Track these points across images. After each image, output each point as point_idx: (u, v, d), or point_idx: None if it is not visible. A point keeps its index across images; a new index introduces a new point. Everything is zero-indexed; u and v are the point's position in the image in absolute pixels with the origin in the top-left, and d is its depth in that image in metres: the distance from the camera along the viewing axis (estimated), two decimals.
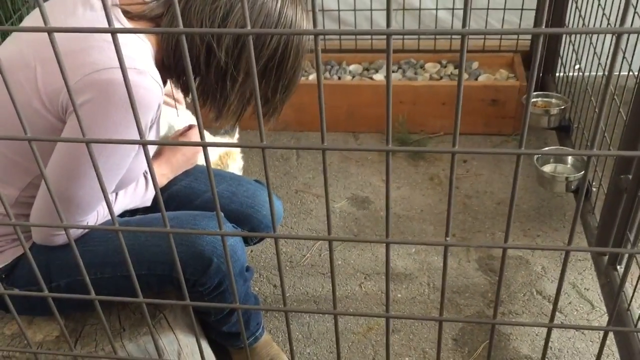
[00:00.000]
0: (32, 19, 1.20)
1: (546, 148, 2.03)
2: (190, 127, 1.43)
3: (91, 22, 1.07)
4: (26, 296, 1.21)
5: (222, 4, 1.06)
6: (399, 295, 1.83)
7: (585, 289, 1.83)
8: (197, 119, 0.55)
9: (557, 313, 1.73)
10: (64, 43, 0.95)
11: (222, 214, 1.27)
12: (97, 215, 1.17)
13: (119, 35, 0.49)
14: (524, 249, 1.98)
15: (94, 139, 0.56)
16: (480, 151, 0.53)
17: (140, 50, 1.05)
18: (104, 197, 0.63)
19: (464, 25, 0.46)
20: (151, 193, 1.30)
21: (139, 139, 0.56)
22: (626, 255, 1.54)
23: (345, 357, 1.66)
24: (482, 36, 2.60)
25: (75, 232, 1.18)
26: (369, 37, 2.70)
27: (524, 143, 0.51)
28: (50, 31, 0.51)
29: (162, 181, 1.36)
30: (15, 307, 1.28)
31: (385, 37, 0.46)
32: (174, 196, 1.44)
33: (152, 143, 0.59)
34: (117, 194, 1.22)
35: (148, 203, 1.30)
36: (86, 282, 0.69)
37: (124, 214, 1.30)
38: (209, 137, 1.60)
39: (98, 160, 1.01)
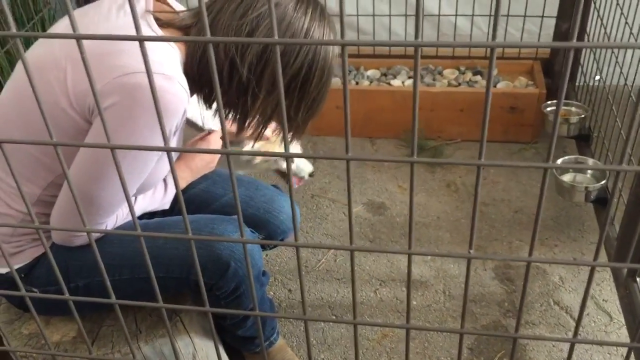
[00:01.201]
0: (66, 22, 1.21)
1: (566, 157, 2.01)
2: (210, 132, 1.43)
3: (124, 27, 1.08)
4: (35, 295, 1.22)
5: (249, 20, 1.06)
6: (415, 303, 1.82)
7: (603, 300, 1.80)
8: (222, 126, 0.55)
9: (574, 324, 1.71)
10: (95, 45, 0.95)
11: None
12: (116, 218, 1.18)
13: (150, 43, 0.50)
14: (548, 263, 1.96)
15: (118, 145, 0.56)
16: (507, 164, 0.52)
17: (168, 56, 1.06)
18: (127, 200, 0.63)
19: (494, 37, 0.45)
20: (170, 196, 1.31)
21: (162, 144, 0.57)
22: None
23: None
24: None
25: (95, 234, 1.18)
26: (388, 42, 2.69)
27: (551, 157, 0.50)
28: (78, 38, 0.52)
29: (182, 184, 1.37)
30: (33, 307, 1.30)
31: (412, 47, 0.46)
32: (192, 199, 1.45)
33: (176, 150, 0.59)
34: (136, 197, 1.23)
35: (166, 206, 1.31)
36: (105, 284, 0.69)
37: (142, 216, 1.30)
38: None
39: (121, 164, 1.02)
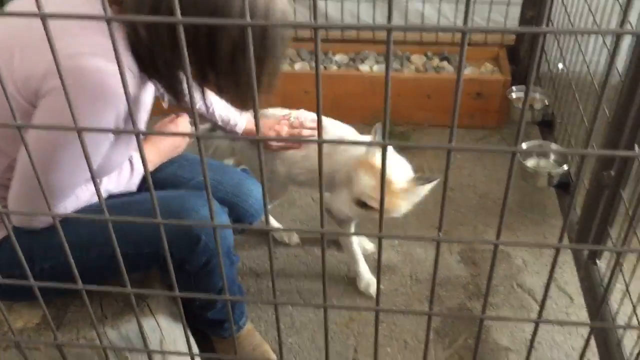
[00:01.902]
0: (18, 3, 1.17)
1: (530, 142, 2.05)
2: (178, 115, 1.42)
3: (71, 5, 1.04)
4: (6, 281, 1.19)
5: None
6: (382, 287, 1.84)
7: (564, 282, 1.85)
8: (192, 108, 0.55)
9: (536, 306, 1.76)
10: (40, 28, 0.91)
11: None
12: (77, 199, 1.16)
13: (93, 23, 0.48)
14: (515, 245, 1.99)
15: (85, 127, 0.55)
16: (476, 148, 0.53)
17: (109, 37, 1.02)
18: (93, 182, 0.62)
19: (465, 22, 0.46)
20: (136, 179, 1.29)
21: (111, 127, 0.56)
22: (609, 252, 1.57)
23: None
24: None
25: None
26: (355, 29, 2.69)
27: (520, 141, 0.51)
28: (43, 16, 0.50)
29: (149, 168, 1.35)
30: None
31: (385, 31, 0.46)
32: (160, 183, 1.43)
33: (145, 133, 0.58)
34: (100, 180, 1.21)
35: (133, 188, 1.29)
36: (71, 265, 0.68)
37: (109, 196, 1.28)
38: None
39: (68, 147, 1.01)
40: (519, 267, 1.90)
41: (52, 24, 0.52)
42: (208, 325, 1.52)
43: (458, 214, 2.10)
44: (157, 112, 1.29)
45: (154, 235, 1.20)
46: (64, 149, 1.03)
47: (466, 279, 1.86)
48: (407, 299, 1.80)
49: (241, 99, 1.15)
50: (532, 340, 0.64)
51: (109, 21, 0.49)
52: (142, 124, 1.17)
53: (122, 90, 0.99)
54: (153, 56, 1.03)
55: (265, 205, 0.60)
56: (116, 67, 0.96)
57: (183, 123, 1.39)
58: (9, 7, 1.19)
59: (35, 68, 1.00)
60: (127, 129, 1.11)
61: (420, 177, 1.53)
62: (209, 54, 1.03)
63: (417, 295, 1.81)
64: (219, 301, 1.43)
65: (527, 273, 1.88)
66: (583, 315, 1.73)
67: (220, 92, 1.17)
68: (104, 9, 0.49)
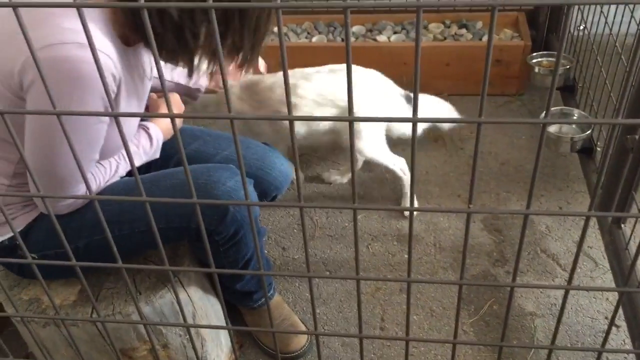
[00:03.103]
0: None
1: (552, 108, 2.03)
2: (161, 95, 1.43)
3: None
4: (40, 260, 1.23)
5: None
6: (406, 256, 1.87)
7: (588, 247, 1.86)
8: (163, 87, 0.56)
9: (560, 271, 1.77)
10: (10, 19, 0.88)
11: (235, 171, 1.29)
12: (96, 181, 1.18)
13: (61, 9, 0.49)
14: (545, 214, 1.99)
15: (63, 112, 0.56)
16: (505, 121, 0.54)
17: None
18: (129, 159, 0.63)
19: None
20: (157, 145, 1.31)
21: (101, 110, 0.57)
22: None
23: (354, 317, 1.70)
24: None
25: (77, 201, 1.19)
26: None
27: (549, 114, 0.52)
28: (14, 6, 0.50)
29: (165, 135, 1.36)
30: (30, 273, 1.31)
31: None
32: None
33: (121, 115, 0.58)
34: (119, 156, 1.23)
35: (157, 155, 1.32)
36: (109, 242, 0.71)
37: (138, 169, 1.31)
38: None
39: (63, 135, 1.02)
40: (542, 233, 1.91)
41: (24, 12, 0.52)
42: (236, 297, 1.56)
43: (480, 181, 2.10)
44: None
45: (183, 209, 1.24)
46: (60, 139, 1.04)
47: (490, 246, 1.87)
48: (431, 267, 1.82)
49: (249, 61, 1.16)
50: (562, 308, 0.65)
51: (78, 8, 0.49)
52: (136, 102, 1.18)
53: (98, 75, 1.00)
54: (179, 35, 1.03)
55: (298, 181, 0.62)
56: (89, 53, 0.97)
57: (173, 100, 1.40)
58: None
59: (13, 62, 0.99)
60: (107, 112, 1.13)
61: None
62: (240, 21, 1.06)
63: (441, 263, 1.83)
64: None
65: (551, 238, 1.89)
66: (608, 278, 1.74)
67: (231, 56, 1.15)
68: None
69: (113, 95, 1.05)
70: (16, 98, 1.03)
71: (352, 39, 2.61)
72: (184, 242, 1.39)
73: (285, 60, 0.52)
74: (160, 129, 1.32)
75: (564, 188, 2.06)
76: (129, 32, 1.10)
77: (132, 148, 1.25)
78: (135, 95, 1.17)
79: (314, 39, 2.62)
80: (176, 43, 1.06)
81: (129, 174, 1.30)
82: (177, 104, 1.43)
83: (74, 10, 1.01)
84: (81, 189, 1.14)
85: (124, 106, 1.11)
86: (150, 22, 0.46)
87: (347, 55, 0.52)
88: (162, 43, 1.05)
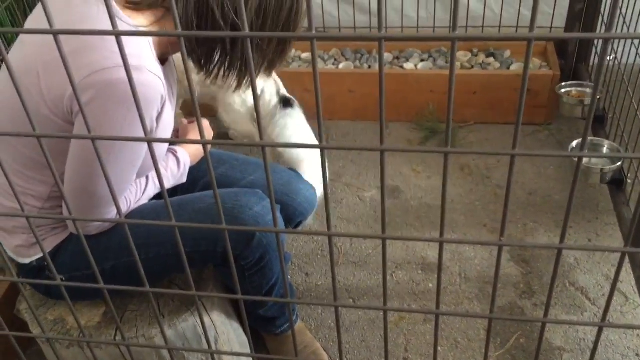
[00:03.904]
0: (33, 21, 1.17)
1: (581, 139, 2.01)
2: (192, 121, 1.46)
3: (84, 17, 1.05)
4: (69, 282, 1.24)
5: None
6: (430, 285, 1.84)
7: (619, 281, 1.81)
8: (197, 115, 0.56)
9: (590, 305, 1.73)
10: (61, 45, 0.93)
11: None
12: (127, 203, 1.20)
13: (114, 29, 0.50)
14: (580, 249, 1.96)
15: (98, 136, 0.57)
16: (539, 154, 0.53)
17: (136, 44, 1.05)
18: (159, 183, 0.64)
19: (531, 29, 0.46)
20: (184, 169, 1.32)
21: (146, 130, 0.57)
22: None
23: (377, 346, 1.67)
24: (516, 25, 2.57)
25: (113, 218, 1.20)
26: (399, 25, 2.68)
27: (586, 147, 0.51)
28: (55, 33, 0.50)
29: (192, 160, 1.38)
30: (57, 293, 1.32)
31: (450, 41, 0.47)
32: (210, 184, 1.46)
33: (156, 141, 0.59)
34: (147, 178, 1.24)
35: (184, 180, 1.33)
36: (137, 265, 0.71)
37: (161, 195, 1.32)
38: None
39: (109, 156, 1.05)
40: (571, 265, 1.87)
41: (71, 40, 0.53)
42: (259, 322, 1.55)
43: (508, 211, 2.07)
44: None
45: (210, 233, 1.24)
46: (105, 160, 1.06)
47: (517, 277, 1.84)
48: (456, 297, 1.79)
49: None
50: (595, 345, 0.64)
51: (117, 36, 0.50)
52: (171, 121, 1.20)
53: (149, 97, 1.03)
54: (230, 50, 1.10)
55: (327, 208, 0.62)
56: (142, 75, 1.00)
57: (195, 129, 1.43)
58: (29, 21, 1.18)
59: (65, 87, 1.01)
60: (138, 137, 1.15)
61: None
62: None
63: (467, 293, 1.80)
64: (271, 297, 1.45)
65: (580, 271, 1.85)
66: (638, 313, 1.69)
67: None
68: (112, 23, 0.50)
69: (155, 115, 1.08)
70: (64, 122, 1.05)
71: None
72: (209, 265, 1.39)
73: (319, 87, 0.53)
74: (188, 154, 1.34)
75: (593, 220, 2.02)
76: (169, 49, 1.13)
77: (162, 171, 1.26)
78: (170, 114, 1.19)
79: (341, 66, 2.64)
80: (241, 61, 1.14)
81: (156, 196, 1.31)
82: (207, 129, 1.44)
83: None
84: (113, 210, 1.15)
85: (161, 126, 1.13)
86: (221, 46, 0.47)
87: (381, 84, 0.52)
88: (227, 62, 1.13)
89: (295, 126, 1.89)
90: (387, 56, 2.67)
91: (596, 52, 2.33)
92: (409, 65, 2.59)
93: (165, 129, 1.15)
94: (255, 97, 0.55)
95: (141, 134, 1.03)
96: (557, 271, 0.60)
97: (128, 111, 1.00)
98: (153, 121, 1.07)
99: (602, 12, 2.31)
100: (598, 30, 2.37)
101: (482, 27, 2.62)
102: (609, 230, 1.97)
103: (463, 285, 1.83)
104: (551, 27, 2.59)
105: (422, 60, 2.62)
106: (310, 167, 1.77)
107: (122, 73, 0.98)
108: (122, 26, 1.05)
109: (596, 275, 1.83)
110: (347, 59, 2.67)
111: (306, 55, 2.72)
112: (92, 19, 1.04)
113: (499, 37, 0.48)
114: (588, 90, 2.20)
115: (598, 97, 2.13)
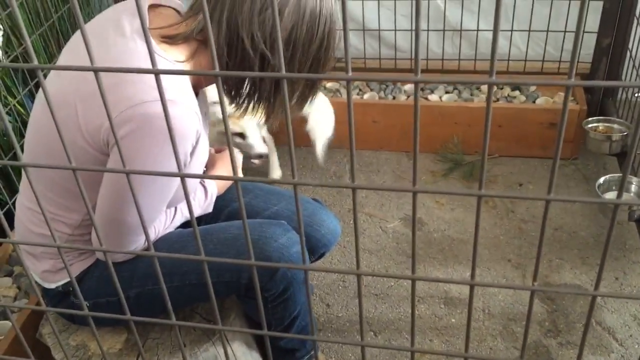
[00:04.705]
0: (70, 53, 1.19)
1: (608, 176, 1.98)
2: (220, 149, 1.47)
3: (122, 51, 1.07)
4: (92, 308, 1.25)
5: (270, 15, 1.07)
6: (453, 320, 1.81)
7: None
8: (230, 151, 0.56)
9: (617, 345, 1.69)
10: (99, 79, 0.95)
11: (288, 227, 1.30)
12: (155, 232, 1.21)
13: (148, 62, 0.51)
14: (615, 297, 1.93)
15: (132, 170, 0.57)
16: (574, 199, 0.52)
17: (173, 78, 1.06)
18: (189, 212, 0.64)
19: (570, 76, 0.46)
20: (211, 199, 1.33)
21: (180, 165, 0.58)
22: None
23: None
24: (542, 59, 2.56)
25: (136, 249, 1.21)
26: (423, 56, 2.70)
27: (622, 195, 0.50)
28: (96, 70, 0.51)
29: (219, 190, 1.39)
30: (81, 319, 1.33)
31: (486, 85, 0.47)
32: (235, 214, 1.47)
33: (189, 176, 0.59)
34: (176, 208, 1.26)
35: (210, 209, 1.34)
36: (163, 293, 0.71)
37: (185, 224, 1.32)
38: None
39: (142, 188, 1.06)
40: (598, 304, 1.83)
41: (109, 74, 0.54)
42: (279, 353, 1.53)
43: (532, 247, 2.05)
44: None
45: (235, 265, 1.24)
46: (138, 191, 1.07)
47: (542, 315, 1.81)
48: (479, 334, 1.76)
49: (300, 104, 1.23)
50: None
51: (156, 74, 0.51)
52: (206, 152, 1.22)
53: (185, 131, 1.04)
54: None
55: (356, 247, 0.61)
56: (178, 109, 1.02)
57: (228, 158, 1.44)
58: (64, 54, 1.19)
59: (102, 119, 1.03)
60: (172, 172, 1.17)
61: None
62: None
63: (490, 330, 1.77)
64: (293, 329, 1.44)
65: (607, 310, 1.81)
66: None
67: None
68: (152, 62, 0.51)
69: (190, 149, 1.09)
70: (99, 154, 1.07)
71: (403, 97, 2.62)
72: (233, 296, 1.39)
73: (352, 118, 0.53)
74: (215, 183, 1.35)
75: (621, 258, 1.98)
76: (203, 82, 1.16)
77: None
78: (205, 147, 1.20)
79: (365, 96, 2.65)
80: (270, 92, 1.16)
81: (183, 225, 1.31)
82: (237, 160, 1.46)
83: (164, 66, 1.06)
84: (141, 238, 1.16)
85: (194, 159, 1.14)
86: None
87: (415, 124, 0.52)
88: (257, 93, 1.16)
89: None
90: (412, 87, 2.67)
91: (623, 87, 2.32)
92: (433, 97, 2.59)
93: (199, 161, 1.17)
94: (289, 132, 0.56)
95: (174, 168, 1.04)
96: (590, 319, 0.59)
97: (164, 145, 1.01)
98: (187, 155, 1.08)
99: (630, 47, 2.29)
100: (625, 66, 2.35)
101: (508, 60, 2.61)
102: (637, 269, 1.93)
103: (487, 321, 1.80)
104: (577, 62, 2.58)
105: (446, 92, 2.62)
106: (317, 111, 2.18)
107: (160, 107, 1.00)
108: (159, 61, 1.07)
109: (624, 315, 1.79)
110: (371, 90, 2.69)
111: (331, 85, 2.74)
112: (130, 53, 1.07)
113: (537, 83, 0.48)
114: (615, 126, 2.18)
115: (625, 133, 2.11)
